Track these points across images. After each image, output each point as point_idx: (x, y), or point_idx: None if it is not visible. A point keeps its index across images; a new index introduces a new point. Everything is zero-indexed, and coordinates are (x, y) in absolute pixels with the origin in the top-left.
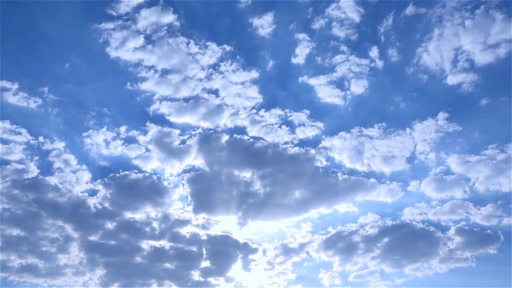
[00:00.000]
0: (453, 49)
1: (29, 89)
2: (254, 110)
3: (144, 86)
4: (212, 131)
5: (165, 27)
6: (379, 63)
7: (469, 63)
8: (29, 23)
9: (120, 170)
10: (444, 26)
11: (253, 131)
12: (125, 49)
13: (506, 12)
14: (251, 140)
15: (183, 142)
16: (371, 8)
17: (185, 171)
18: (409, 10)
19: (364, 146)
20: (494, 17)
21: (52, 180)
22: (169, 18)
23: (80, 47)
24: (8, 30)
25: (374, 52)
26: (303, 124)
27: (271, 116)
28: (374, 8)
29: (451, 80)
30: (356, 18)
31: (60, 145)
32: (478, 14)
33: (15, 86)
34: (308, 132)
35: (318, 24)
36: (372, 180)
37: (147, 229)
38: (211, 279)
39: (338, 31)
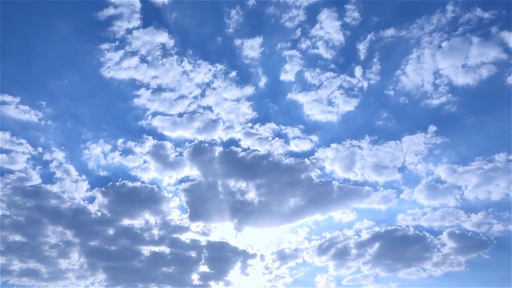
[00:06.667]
0: (433, 72)
1: (29, 103)
2: (250, 124)
3: (141, 102)
4: (207, 143)
5: (159, 47)
6: (365, 84)
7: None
8: (29, 43)
9: (120, 179)
10: (423, 48)
11: (247, 144)
12: (120, 68)
13: (482, 35)
14: (246, 151)
15: (180, 154)
16: (356, 29)
17: (181, 181)
18: (388, 32)
19: (356, 156)
20: (471, 40)
21: (54, 188)
22: (163, 37)
23: (76, 66)
24: (10, 48)
25: (358, 71)
26: (297, 137)
27: (266, 130)
28: (358, 29)
29: (434, 101)
30: (341, 39)
31: (59, 155)
32: (456, 36)
33: (17, 99)
34: (301, 145)
35: (305, 44)
36: (367, 188)
37: (146, 235)
38: (211, 283)
39: (325, 51)
